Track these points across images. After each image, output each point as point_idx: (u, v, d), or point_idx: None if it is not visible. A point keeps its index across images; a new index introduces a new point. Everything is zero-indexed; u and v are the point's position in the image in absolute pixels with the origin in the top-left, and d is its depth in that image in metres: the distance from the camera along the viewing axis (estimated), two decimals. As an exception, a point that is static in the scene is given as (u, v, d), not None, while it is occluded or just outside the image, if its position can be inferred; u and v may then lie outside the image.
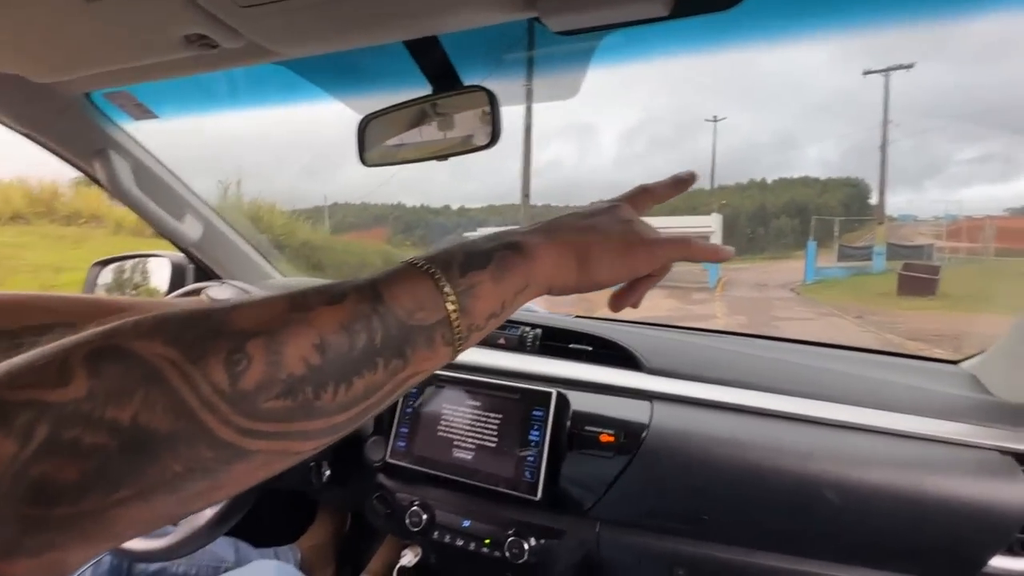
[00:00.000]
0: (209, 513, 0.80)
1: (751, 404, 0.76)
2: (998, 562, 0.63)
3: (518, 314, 1.04)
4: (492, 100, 0.59)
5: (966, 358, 0.96)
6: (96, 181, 1.02)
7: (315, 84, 0.81)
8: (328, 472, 0.92)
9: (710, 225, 15.94)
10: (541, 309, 1.21)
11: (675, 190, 0.49)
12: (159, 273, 1.36)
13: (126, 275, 1.58)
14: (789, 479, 0.69)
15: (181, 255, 1.28)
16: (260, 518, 1.35)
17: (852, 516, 0.66)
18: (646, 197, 0.47)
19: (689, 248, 0.43)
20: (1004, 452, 0.67)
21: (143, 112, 0.95)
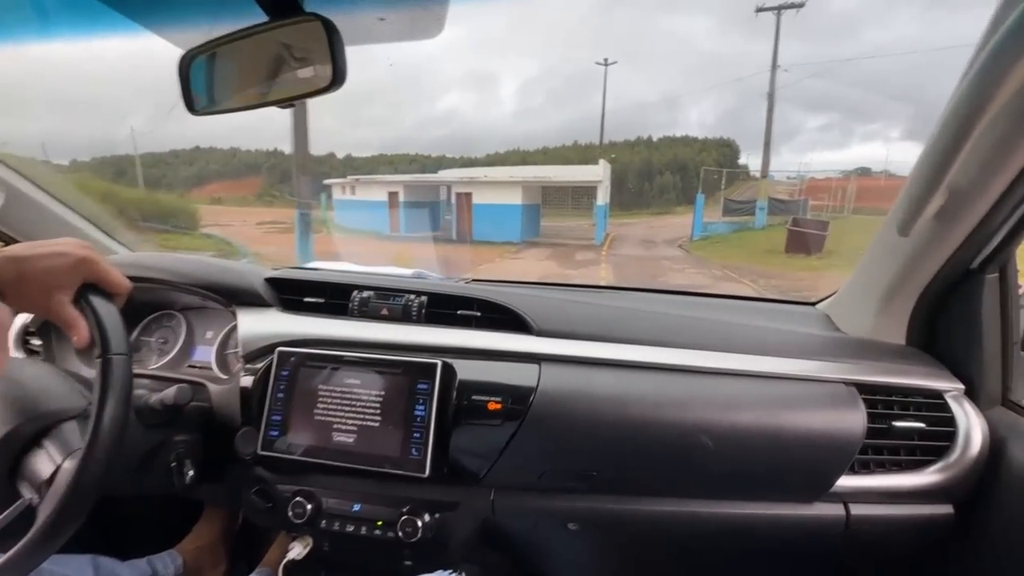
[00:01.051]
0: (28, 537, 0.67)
1: (634, 359, 0.77)
2: (843, 481, 0.71)
3: (405, 282, 0.97)
4: (330, 31, 0.50)
5: (822, 299, 1.06)
6: None
7: (120, 11, 0.65)
8: (191, 472, 0.81)
9: (599, 175, 15.22)
10: (433, 275, 1.15)
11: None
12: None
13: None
14: (669, 429, 0.71)
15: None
16: (129, 525, 1.20)
17: (724, 456, 0.70)
18: None
19: None
20: (848, 384, 0.74)
21: None
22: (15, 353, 1.07)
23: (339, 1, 0.63)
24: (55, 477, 0.63)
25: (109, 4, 0.63)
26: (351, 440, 0.77)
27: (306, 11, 0.54)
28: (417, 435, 0.74)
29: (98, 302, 0.62)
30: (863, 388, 0.74)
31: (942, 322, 0.79)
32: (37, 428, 0.67)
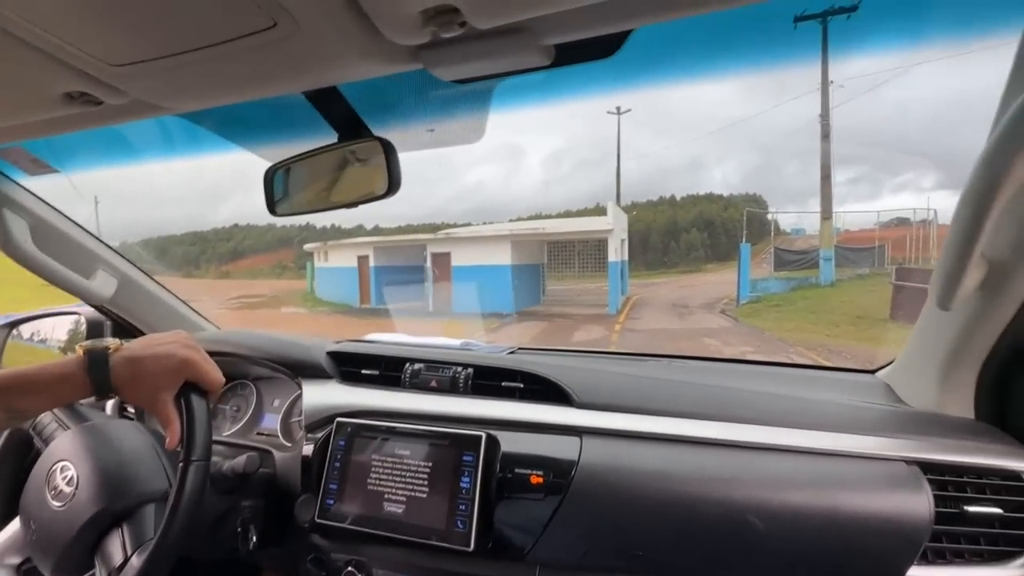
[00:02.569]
0: None
1: (676, 433, 0.77)
2: (916, 572, 0.65)
3: (451, 354, 1.02)
4: (388, 150, 0.59)
5: (883, 366, 1.01)
6: (-11, 242, 0.95)
7: (217, 134, 0.79)
8: (255, 538, 0.86)
9: (609, 224, 12.39)
10: (480, 344, 1.20)
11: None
12: (73, 331, 1.27)
13: (40, 335, 1.48)
14: (715, 507, 0.69)
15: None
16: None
17: (776, 539, 0.67)
18: None
19: None
20: (910, 462, 0.69)
21: (39, 167, 0.90)
22: (111, 414, 1.20)
23: (395, 117, 0.73)
24: (123, 568, 0.70)
25: (215, 131, 0.77)
26: (401, 511, 0.80)
27: (369, 133, 0.64)
28: (462, 507, 0.76)
29: (194, 405, 0.71)
30: (928, 467, 0.69)
31: (1014, 394, 0.74)
32: (123, 508, 0.75)
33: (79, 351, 0.70)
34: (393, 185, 0.60)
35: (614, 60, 0.59)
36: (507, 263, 11.79)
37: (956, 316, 0.70)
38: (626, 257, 14.74)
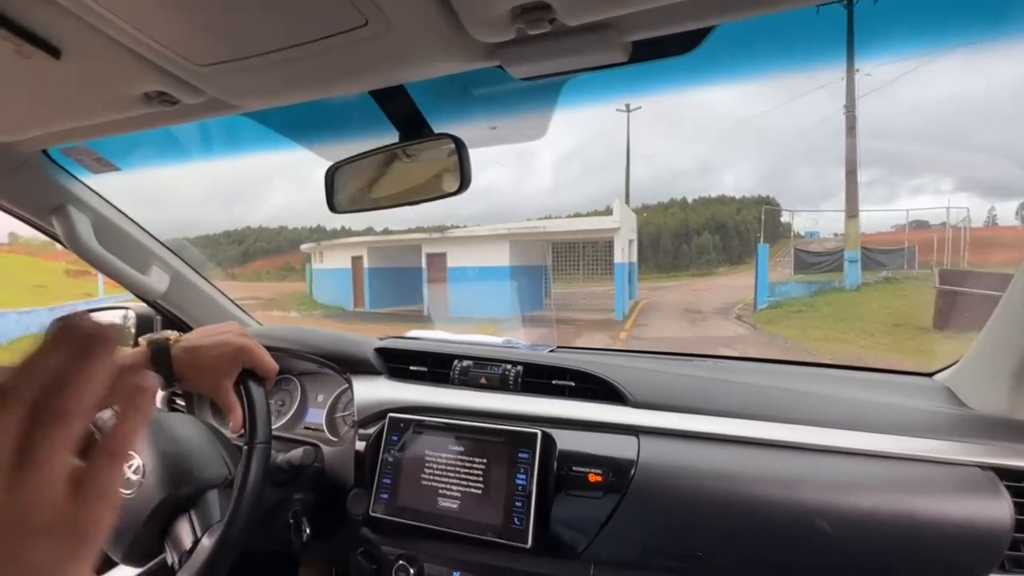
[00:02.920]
0: None
1: (737, 434, 0.76)
2: None
3: (499, 351, 1.03)
4: (460, 147, 0.59)
5: (940, 370, 0.98)
6: (54, 238, 0.98)
7: (280, 133, 0.80)
8: (308, 530, 0.88)
9: (616, 223, 11.41)
10: (521, 343, 1.20)
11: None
12: (121, 326, 1.31)
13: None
14: (779, 509, 0.68)
15: (145, 305, 1.23)
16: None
17: (844, 543, 0.66)
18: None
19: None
20: (985, 467, 0.67)
21: (103, 165, 0.93)
22: (162, 407, 1.23)
23: (458, 114, 0.74)
24: (194, 550, 0.72)
25: (277, 130, 0.78)
26: (455, 506, 0.80)
27: (431, 131, 0.64)
28: (519, 504, 0.76)
29: (253, 390, 0.73)
30: (1004, 473, 0.67)
31: (1094, 399, 0.71)
32: (187, 494, 0.77)
33: (142, 343, 0.72)
34: (465, 182, 0.60)
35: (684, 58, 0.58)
36: (505, 264, 10.99)
37: None
38: (634, 259, 13.72)
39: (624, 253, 11.58)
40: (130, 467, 0.80)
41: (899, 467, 0.69)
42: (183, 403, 1.22)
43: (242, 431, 0.72)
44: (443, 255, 11.59)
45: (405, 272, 12.57)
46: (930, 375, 0.98)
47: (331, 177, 0.76)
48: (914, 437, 0.72)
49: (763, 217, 16.92)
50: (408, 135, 0.67)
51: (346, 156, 0.75)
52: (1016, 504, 0.64)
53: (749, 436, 0.75)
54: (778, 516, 0.68)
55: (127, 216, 1.08)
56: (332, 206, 0.77)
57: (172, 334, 0.74)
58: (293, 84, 0.58)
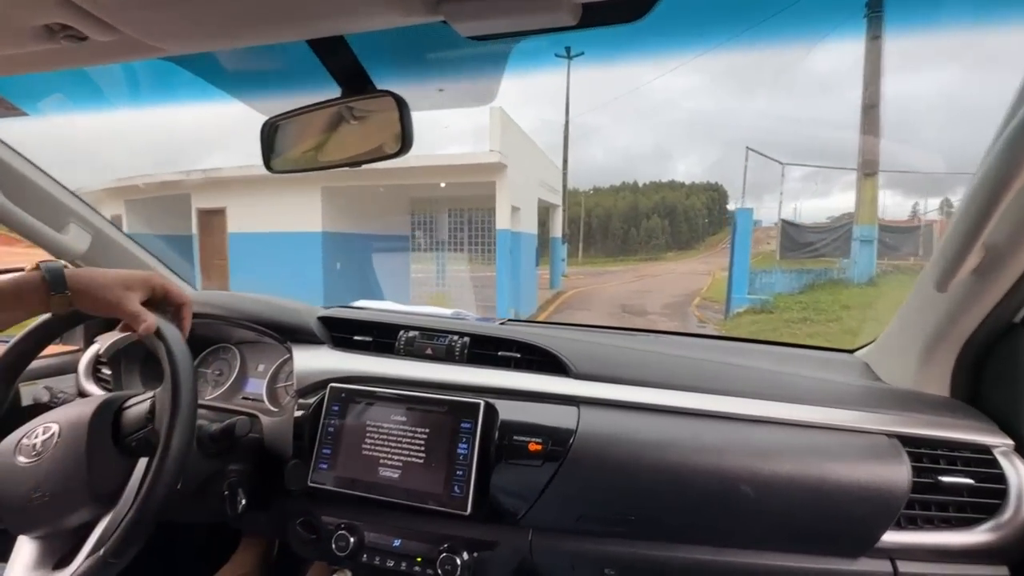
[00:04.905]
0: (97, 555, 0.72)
1: (672, 404, 0.79)
2: (889, 537, 0.69)
3: (447, 323, 1.02)
4: (401, 106, 0.57)
5: (861, 347, 1.05)
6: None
7: (211, 83, 0.74)
8: (244, 501, 0.85)
9: (500, 156, 6.73)
10: (471, 315, 1.19)
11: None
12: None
13: None
14: (707, 475, 0.72)
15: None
16: (173, 555, 1.24)
17: (763, 506, 0.70)
18: None
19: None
20: (890, 435, 0.73)
21: (6, 108, 0.83)
22: (86, 382, 1.16)
23: (403, 74, 0.70)
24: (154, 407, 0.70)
25: (207, 79, 0.72)
26: (396, 475, 0.80)
27: (375, 89, 0.61)
28: (460, 473, 0.77)
29: (169, 337, 0.69)
30: (907, 440, 0.73)
31: (987, 375, 0.78)
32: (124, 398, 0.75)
33: (33, 265, 0.66)
34: (406, 143, 0.57)
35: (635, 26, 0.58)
36: (317, 230, 6.71)
37: (944, 300, 0.73)
38: (561, 232, 10.16)
39: (517, 218, 7.23)
40: (45, 434, 0.74)
41: (816, 435, 0.74)
42: (108, 372, 1.15)
43: (155, 331, 0.68)
44: (221, 212, 7.05)
45: (174, 243, 7.87)
46: (852, 352, 1.05)
47: (268, 133, 0.72)
48: (831, 408, 0.77)
49: (745, 169, 10.57)
50: (349, 92, 0.64)
51: (282, 111, 0.70)
52: (914, 468, 0.70)
53: (683, 407, 0.79)
54: (706, 482, 0.72)
55: (39, 168, 0.98)
56: (269, 164, 0.73)
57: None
58: (212, 26, 0.53)
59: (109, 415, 0.74)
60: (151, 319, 0.67)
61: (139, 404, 0.74)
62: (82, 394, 1.15)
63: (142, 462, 0.73)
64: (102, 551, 0.65)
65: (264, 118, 0.72)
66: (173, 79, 0.87)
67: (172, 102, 0.90)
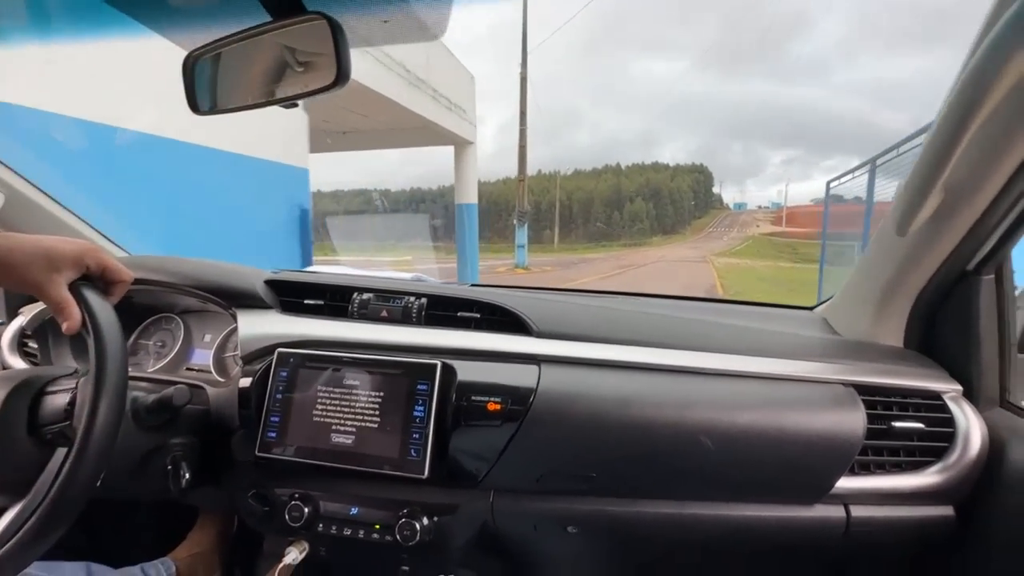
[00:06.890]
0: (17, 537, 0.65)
1: (634, 360, 0.77)
2: (843, 483, 0.71)
3: (404, 284, 0.97)
4: (336, 30, 0.50)
5: (819, 304, 1.06)
6: None
7: (122, 11, 0.65)
8: (187, 475, 0.80)
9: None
10: (432, 280, 1.15)
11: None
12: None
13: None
14: (669, 430, 0.71)
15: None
16: (122, 532, 1.18)
17: (724, 457, 0.70)
18: None
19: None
20: (847, 385, 0.74)
21: None
22: (10, 357, 1.06)
23: (343, 3, 0.63)
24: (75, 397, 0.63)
25: (114, 5, 0.64)
26: (350, 441, 0.76)
27: (310, 11, 0.54)
28: (416, 436, 0.74)
29: (93, 301, 0.60)
30: (862, 389, 0.74)
31: (939, 324, 0.80)
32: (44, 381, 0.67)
33: None
34: (342, 73, 0.51)
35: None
36: None
37: (902, 247, 0.73)
38: (524, 207, 9.38)
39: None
40: None
41: (775, 387, 0.74)
42: (35, 346, 1.06)
43: (80, 331, 0.60)
44: None
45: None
46: (811, 308, 1.06)
47: (190, 69, 0.64)
48: (789, 360, 0.77)
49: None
50: (281, 15, 0.57)
51: (209, 42, 0.63)
52: (868, 415, 0.71)
53: (644, 362, 0.77)
54: (667, 436, 0.71)
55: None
56: (194, 106, 0.66)
57: None
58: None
59: (26, 401, 0.66)
60: (75, 317, 0.59)
61: (59, 394, 0.67)
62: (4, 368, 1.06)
63: (60, 451, 0.66)
64: (9, 544, 0.58)
65: (184, 53, 0.64)
66: (81, 12, 0.77)
67: (89, 36, 0.80)
